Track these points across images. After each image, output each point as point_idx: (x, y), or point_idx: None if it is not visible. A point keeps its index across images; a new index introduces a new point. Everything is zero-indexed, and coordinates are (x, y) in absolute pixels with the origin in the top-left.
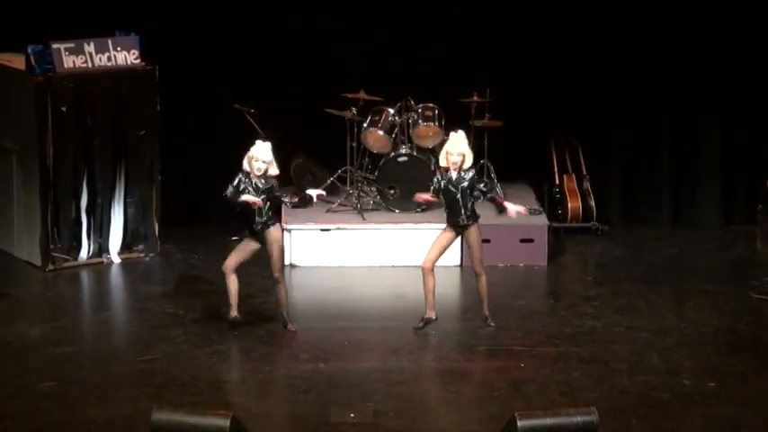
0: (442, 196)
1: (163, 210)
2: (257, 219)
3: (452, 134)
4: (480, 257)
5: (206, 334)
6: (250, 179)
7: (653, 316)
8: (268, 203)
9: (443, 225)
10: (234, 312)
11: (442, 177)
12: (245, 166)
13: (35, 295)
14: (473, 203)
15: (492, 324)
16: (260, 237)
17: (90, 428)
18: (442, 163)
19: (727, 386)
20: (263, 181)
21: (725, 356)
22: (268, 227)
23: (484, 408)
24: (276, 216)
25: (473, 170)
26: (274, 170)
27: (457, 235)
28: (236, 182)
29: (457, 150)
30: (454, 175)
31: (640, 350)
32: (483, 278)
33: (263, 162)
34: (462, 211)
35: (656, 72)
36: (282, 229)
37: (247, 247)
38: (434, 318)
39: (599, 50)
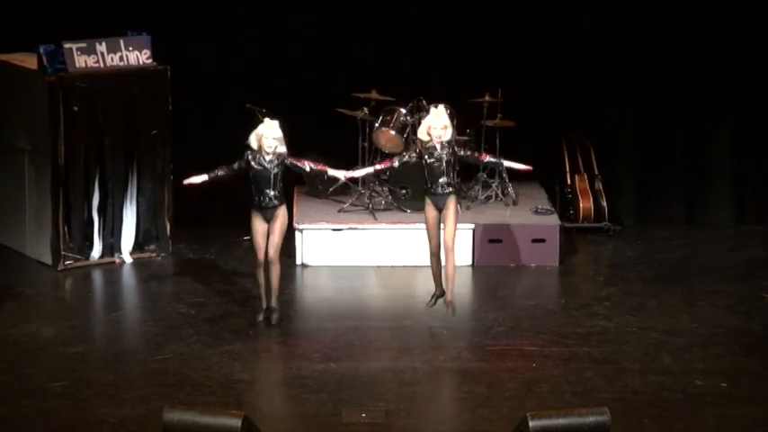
0: (425, 171)
1: (175, 209)
2: (268, 192)
3: (433, 109)
4: (455, 230)
5: (218, 334)
6: (260, 157)
7: (665, 316)
8: (279, 177)
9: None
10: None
11: (420, 153)
12: (253, 143)
13: (47, 295)
14: (455, 173)
15: (453, 314)
16: (266, 213)
17: (102, 428)
18: (424, 137)
19: (739, 387)
20: (274, 159)
21: (737, 357)
22: (277, 204)
23: (496, 408)
24: (284, 196)
25: (452, 140)
26: (283, 148)
27: (438, 209)
28: (243, 160)
29: (440, 124)
30: (438, 147)
31: (652, 350)
32: (453, 256)
33: (274, 139)
34: (446, 182)
35: (669, 72)
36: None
37: (263, 231)
38: (442, 292)
39: (611, 50)
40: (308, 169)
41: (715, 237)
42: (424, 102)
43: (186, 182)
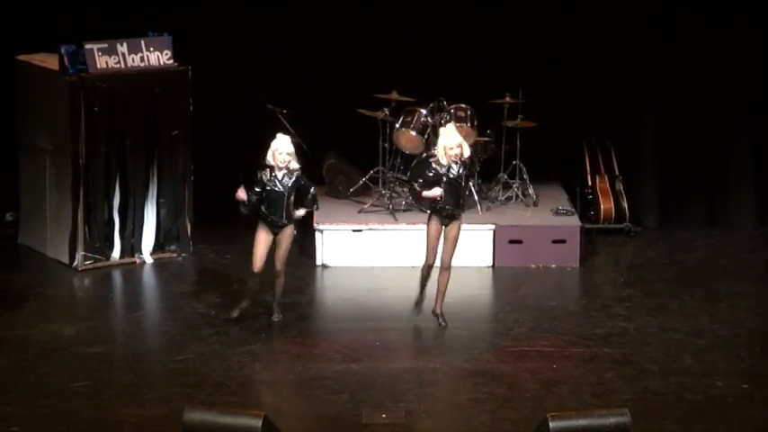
0: (443, 188)
1: (195, 210)
2: (280, 212)
3: (442, 129)
4: (454, 251)
5: (238, 334)
6: (275, 175)
7: (686, 317)
8: (292, 198)
9: (474, 226)
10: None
11: (440, 172)
12: (270, 159)
13: (68, 295)
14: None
15: (444, 323)
16: (274, 228)
17: (122, 428)
18: (443, 161)
19: (760, 388)
20: (289, 177)
21: (758, 358)
22: (287, 223)
23: (516, 409)
24: (292, 217)
25: (469, 158)
26: (295, 164)
27: (445, 226)
28: (258, 183)
29: (455, 143)
30: (454, 167)
31: (673, 351)
32: (448, 273)
33: (287, 154)
34: (460, 202)
35: (691, 72)
36: (314, 230)
37: (266, 242)
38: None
39: (632, 51)
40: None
41: (736, 238)
42: (445, 102)
43: (239, 197)
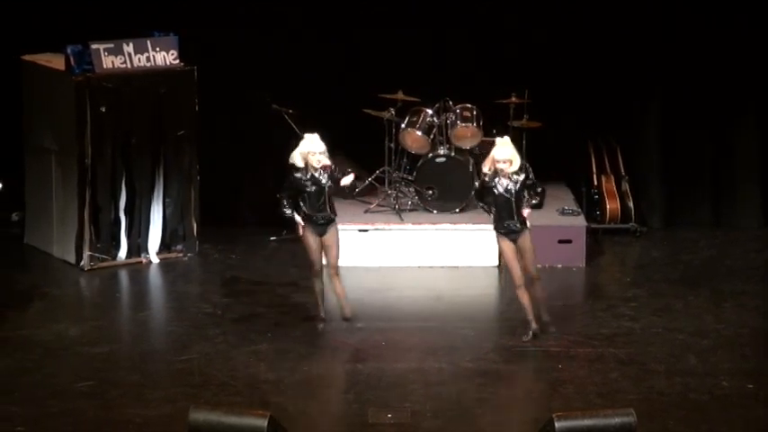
0: (493, 204)
1: (201, 210)
2: (322, 208)
3: (498, 140)
4: (535, 260)
5: (244, 334)
6: (307, 175)
7: (691, 317)
8: (330, 193)
9: (481, 225)
10: (322, 313)
11: (488, 187)
12: (299, 162)
13: (73, 295)
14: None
15: (547, 318)
16: (319, 228)
17: (128, 428)
18: (485, 169)
19: (765, 388)
20: (324, 172)
21: (763, 358)
22: (331, 219)
23: (521, 409)
24: (335, 211)
25: (523, 173)
26: (327, 160)
27: (513, 241)
28: (289, 184)
29: (503, 157)
30: (504, 181)
31: (678, 351)
32: (540, 282)
33: (321, 153)
34: (516, 217)
35: (695, 73)
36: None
37: (316, 244)
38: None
39: (638, 51)
40: (350, 179)
41: (741, 238)
42: (451, 102)
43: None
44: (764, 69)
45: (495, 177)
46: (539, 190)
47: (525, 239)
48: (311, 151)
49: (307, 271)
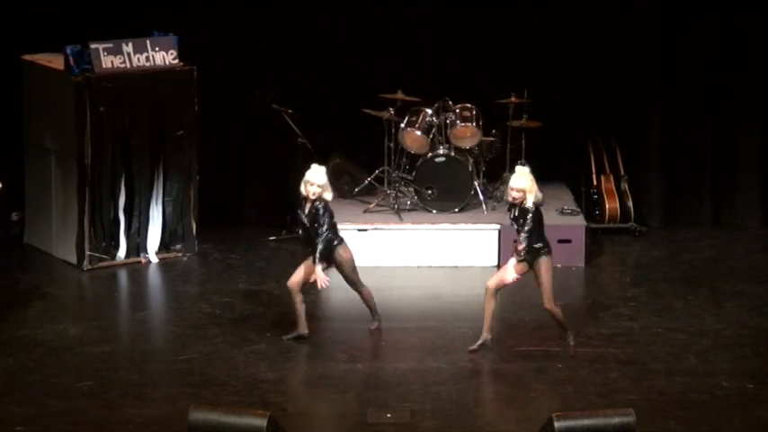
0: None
1: (201, 209)
2: (311, 246)
3: (517, 168)
4: (550, 291)
5: (243, 334)
6: (303, 207)
7: (691, 317)
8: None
9: (480, 225)
10: (302, 330)
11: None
12: (302, 189)
13: (73, 295)
14: (532, 238)
15: (572, 342)
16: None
17: (128, 427)
18: (508, 198)
19: (765, 388)
20: (310, 209)
21: (763, 358)
22: (334, 249)
23: (521, 408)
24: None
25: (532, 211)
26: (329, 195)
27: (528, 266)
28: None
29: (517, 186)
30: (516, 211)
31: (678, 351)
32: (556, 310)
33: (318, 186)
34: (524, 245)
35: (697, 72)
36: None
37: (304, 265)
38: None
39: (638, 51)
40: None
41: (742, 238)
42: (450, 102)
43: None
44: (765, 69)
45: (512, 205)
46: (523, 235)
47: (540, 266)
48: (309, 180)
49: None
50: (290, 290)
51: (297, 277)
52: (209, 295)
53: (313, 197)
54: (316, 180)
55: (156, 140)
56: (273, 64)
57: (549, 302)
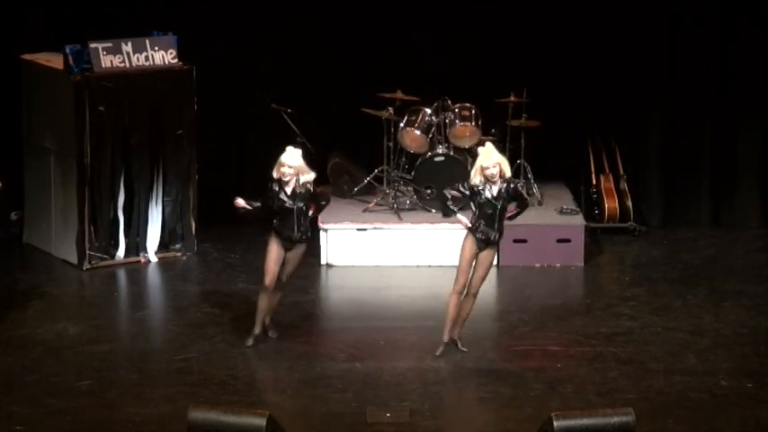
0: (477, 212)
1: (200, 209)
2: (292, 227)
3: (480, 149)
4: (484, 279)
5: (243, 333)
6: (281, 187)
7: (690, 317)
8: (309, 213)
9: None
10: (257, 329)
11: (475, 192)
12: (274, 173)
13: (73, 294)
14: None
15: (464, 348)
16: (286, 244)
17: (127, 427)
18: (475, 180)
19: (764, 387)
20: (301, 190)
21: (762, 357)
22: (301, 241)
23: (520, 408)
24: (309, 233)
25: (513, 181)
26: (308, 176)
27: (479, 250)
28: (268, 191)
29: (491, 162)
30: (495, 188)
31: (677, 351)
32: (474, 300)
33: (290, 167)
34: (496, 227)
35: (695, 72)
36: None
37: (278, 257)
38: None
39: (637, 50)
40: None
41: (741, 238)
42: (449, 102)
43: (236, 204)
44: (764, 69)
45: (485, 183)
46: (525, 201)
47: (489, 254)
48: (282, 162)
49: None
50: (267, 288)
51: (270, 275)
52: (208, 295)
53: (286, 179)
54: (289, 161)
55: (155, 140)
56: (273, 64)
57: (476, 292)
